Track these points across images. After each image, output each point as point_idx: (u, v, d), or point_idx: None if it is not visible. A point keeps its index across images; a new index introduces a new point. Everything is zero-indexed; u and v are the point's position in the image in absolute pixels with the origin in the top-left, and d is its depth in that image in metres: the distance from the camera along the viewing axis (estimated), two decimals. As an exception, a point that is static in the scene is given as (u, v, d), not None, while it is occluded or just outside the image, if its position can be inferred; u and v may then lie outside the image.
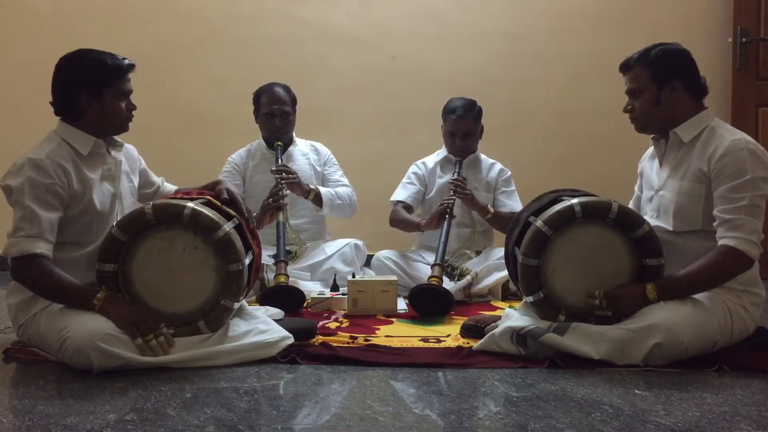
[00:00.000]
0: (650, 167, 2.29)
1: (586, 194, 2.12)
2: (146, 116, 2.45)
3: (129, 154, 2.32)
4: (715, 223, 1.99)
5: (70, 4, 4.06)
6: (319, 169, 3.39)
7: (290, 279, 2.99)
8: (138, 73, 2.17)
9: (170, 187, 2.51)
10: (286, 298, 2.64)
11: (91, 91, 2.06)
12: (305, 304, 2.78)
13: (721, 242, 1.96)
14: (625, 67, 2.18)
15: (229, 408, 1.58)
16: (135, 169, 2.34)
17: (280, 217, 2.95)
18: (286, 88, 3.30)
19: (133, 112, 2.17)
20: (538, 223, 2.00)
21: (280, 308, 2.41)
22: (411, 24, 4.06)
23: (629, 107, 2.19)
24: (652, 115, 2.14)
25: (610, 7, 4.01)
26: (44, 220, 1.94)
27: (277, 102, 3.25)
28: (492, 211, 3.12)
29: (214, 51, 4.07)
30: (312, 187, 3.18)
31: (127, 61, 2.12)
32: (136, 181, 2.34)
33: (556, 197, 2.14)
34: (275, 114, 3.25)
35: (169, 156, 3.73)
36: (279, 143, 3.22)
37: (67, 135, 2.08)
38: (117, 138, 2.20)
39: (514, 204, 3.24)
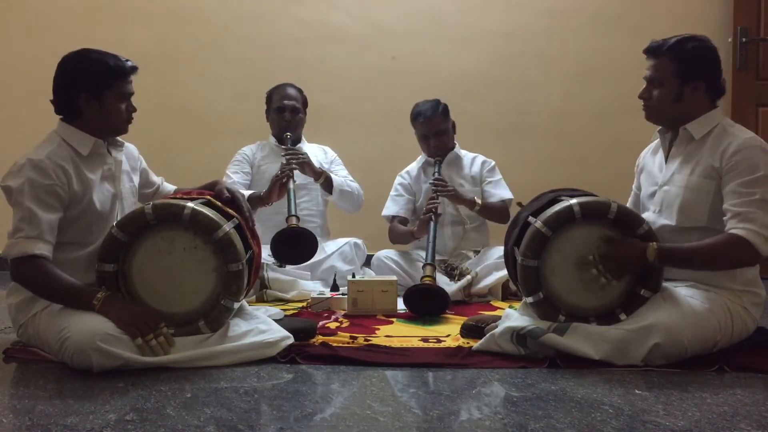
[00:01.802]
0: (652, 162, 2.26)
1: (586, 194, 2.12)
2: (146, 116, 2.44)
3: (130, 153, 2.31)
4: (725, 217, 1.96)
5: (70, 4, 4.06)
6: (326, 167, 3.41)
7: (290, 278, 2.99)
8: (138, 73, 2.15)
9: (169, 187, 2.50)
10: (299, 241, 2.70)
11: (92, 91, 2.05)
12: (310, 298, 2.81)
13: (731, 231, 1.92)
14: (653, 53, 2.10)
15: (229, 408, 1.58)
16: (136, 168, 2.33)
17: (290, 185, 2.98)
18: (298, 89, 3.44)
19: (133, 114, 2.16)
20: (538, 223, 1.99)
21: (293, 254, 2.41)
22: (411, 24, 4.06)
23: (645, 95, 2.13)
24: (670, 109, 2.10)
25: (610, 8, 4.01)
26: (44, 221, 1.93)
27: (288, 98, 3.37)
28: (479, 202, 3.14)
29: (214, 51, 4.08)
30: (324, 170, 3.24)
31: (129, 63, 2.11)
32: (136, 180, 2.33)
33: (555, 197, 2.13)
34: (285, 108, 3.35)
35: (169, 156, 3.73)
36: (288, 134, 3.29)
37: (68, 135, 2.07)
38: (118, 137, 2.20)
39: (502, 192, 3.26)
